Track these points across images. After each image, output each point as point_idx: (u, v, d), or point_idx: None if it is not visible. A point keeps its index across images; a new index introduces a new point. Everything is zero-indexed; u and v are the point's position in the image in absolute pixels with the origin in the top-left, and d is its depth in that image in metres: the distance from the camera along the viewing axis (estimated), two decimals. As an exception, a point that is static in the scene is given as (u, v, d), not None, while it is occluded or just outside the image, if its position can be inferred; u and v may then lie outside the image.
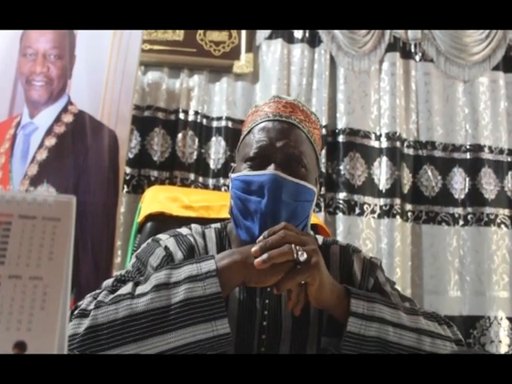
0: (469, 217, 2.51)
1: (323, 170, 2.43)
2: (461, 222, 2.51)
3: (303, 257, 0.74)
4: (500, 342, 2.39)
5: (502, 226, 2.51)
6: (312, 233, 1.03)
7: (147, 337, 0.70)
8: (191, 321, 0.70)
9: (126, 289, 0.76)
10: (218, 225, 0.98)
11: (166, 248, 0.90)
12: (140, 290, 0.74)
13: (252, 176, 0.85)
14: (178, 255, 0.89)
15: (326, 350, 0.85)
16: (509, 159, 2.60)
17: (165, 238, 0.93)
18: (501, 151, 2.59)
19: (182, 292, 0.71)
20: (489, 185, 2.55)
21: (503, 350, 2.38)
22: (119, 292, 0.76)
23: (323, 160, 2.44)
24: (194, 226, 0.97)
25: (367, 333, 0.78)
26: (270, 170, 0.84)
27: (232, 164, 0.98)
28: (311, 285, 0.76)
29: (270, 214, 0.82)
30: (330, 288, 0.79)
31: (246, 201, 0.85)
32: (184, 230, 0.95)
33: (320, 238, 1.01)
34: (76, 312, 0.73)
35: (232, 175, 0.90)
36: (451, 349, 0.84)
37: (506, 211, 2.53)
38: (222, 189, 2.35)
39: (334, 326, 0.82)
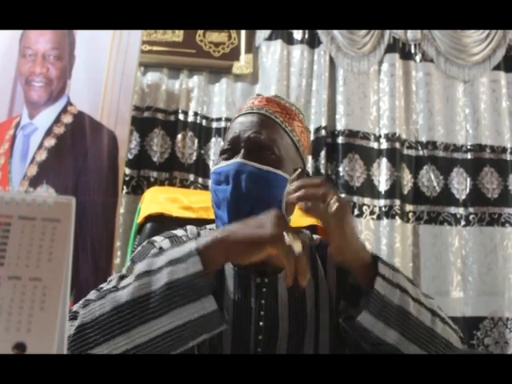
0: (471, 217, 2.51)
1: (322, 171, 2.43)
2: (462, 222, 2.51)
3: (334, 206, 0.75)
4: (506, 343, 2.39)
5: (507, 224, 2.51)
6: (309, 232, 1.03)
7: (135, 326, 0.69)
8: (177, 303, 0.68)
9: (112, 283, 0.77)
10: (212, 226, 0.98)
11: (161, 249, 0.90)
12: (124, 281, 0.74)
13: (221, 167, 0.88)
14: None
15: (343, 312, 0.85)
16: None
17: (159, 240, 0.93)
18: (503, 150, 2.59)
19: (165, 276, 0.70)
20: (491, 184, 2.54)
21: (511, 351, 2.37)
22: (105, 287, 0.76)
23: (322, 161, 2.44)
24: (189, 227, 0.98)
25: (391, 297, 0.79)
26: (237, 158, 0.86)
27: None
28: (337, 234, 0.77)
29: (236, 200, 0.84)
30: (356, 244, 0.80)
31: (216, 191, 0.87)
32: (179, 232, 0.96)
33: (317, 238, 1.01)
34: (69, 315, 0.73)
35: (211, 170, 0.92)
36: (456, 341, 0.85)
37: (511, 210, 2.53)
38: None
39: (354, 294, 0.83)
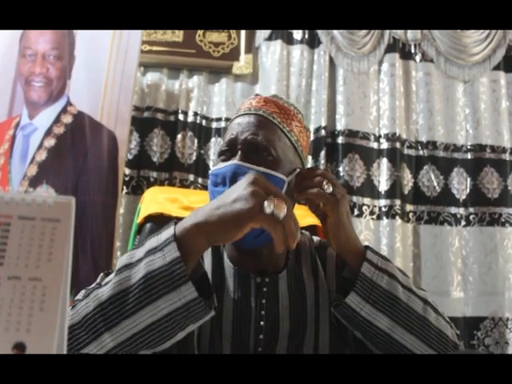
0: (471, 217, 2.51)
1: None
2: (463, 223, 2.51)
3: (329, 189, 0.82)
4: (506, 343, 2.39)
5: (507, 224, 2.51)
6: (308, 233, 1.03)
7: (118, 322, 0.68)
8: (157, 294, 0.67)
9: (97, 281, 0.76)
10: None
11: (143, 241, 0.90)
12: (108, 278, 0.73)
13: (218, 168, 0.87)
14: None
15: (336, 300, 0.86)
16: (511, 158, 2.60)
17: None
18: (503, 150, 2.59)
19: (143, 267, 0.68)
20: (491, 184, 2.55)
21: (511, 351, 2.37)
22: (91, 286, 0.76)
23: (322, 161, 2.44)
24: None
25: (378, 281, 0.81)
26: (233, 160, 0.86)
27: None
28: (330, 216, 0.82)
29: None
30: (349, 230, 0.84)
31: (214, 193, 0.87)
32: None
33: (317, 240, 1.01)
34: None
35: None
36: (452, 334, 0.85)
37: (511, 210, 2.53)
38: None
39: (346, 287, 0.84)
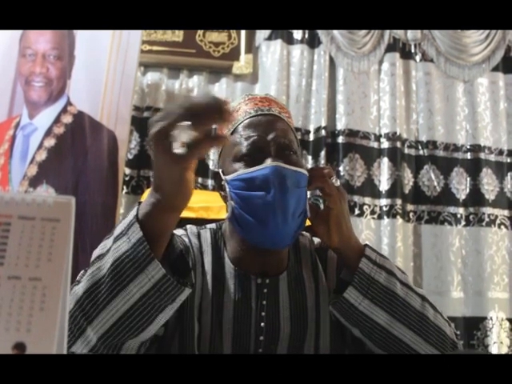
0: (470, 217, 2.51)
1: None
2: (463, 222, 2.51)
3: (337, 183, 0.85)
4: (501, 343, 2.39)
5: (502, 226, 2.51)
6: (308, 234, 1.03)
7: (96, 315, 0.67)
8: (126, 280, 0.65)
9: (77, 278, 0.74)
10: (213, 225, 0.97)
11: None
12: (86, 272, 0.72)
13: (252, 172, 0.83)
14: None
15: (334, 299, 0.85)
16: (508, 160, 2.60)
17: None
18: (500, 152, 2.60)
19: (111, 255, 0.67)
20: (489, 185, 2.55)
21: (504, 351, 2.37)
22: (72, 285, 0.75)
23: (322, 161, 2.44)
24: (189, 226, 0.97)
25: (376, 277, 0.81)
26: (269, 162, 0.83)
27: (217, 169, 0.96)
28: (334, 209, 0.84)
29: (279, 205, 0.81)
30: (349, 225, 0.86)
31: (250, 198, 0.83)
32: (179, 231, 0.94)
33: (317, 241, 1.01)
34: None
35: (228, 177, 0.87)
36: (450, 332, 0.85)
37: (506, 212, 2.54)
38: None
39: (343, 287, 0.84)
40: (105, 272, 0.67)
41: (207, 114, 0.59)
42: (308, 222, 0.91)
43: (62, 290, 0.42)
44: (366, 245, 0.86)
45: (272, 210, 0.81)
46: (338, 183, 0.85)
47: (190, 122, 0.59)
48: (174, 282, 0.67)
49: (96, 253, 0.72)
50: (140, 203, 0.70)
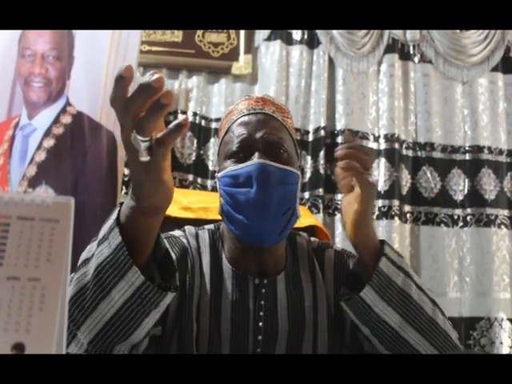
0: (468, 218, 2.52)
1: (321, 171, 2.43)
2: (460, 224, 2.51)
3: (372, 178, 0.80)
4: (501, 343, 2.39)
5: (502, 226, 2.51)
6: (306, 234, 1.03)
7: (84, 320, 0.67)
8: (109, 286, 0.65)
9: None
10: (211, 226, 0.98)
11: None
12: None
13: (238, 169, 0.85)
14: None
15: (345, 294, 0.85)
16: (508, 160, 2.61)
17: None
18: (500, 152, 2.60)
19: (94, 260, 0.66)
20: (488, 185, 2.55)
21: (505, 351, 2.37)
22: None
23: (321, 161, 2.44)
24: (187, 227, 0.97)
25: (394, 278, 0.80)
26: (255, 159, 0.84)
27: (214, 168, 0.98)
28: (361, 204, 0.79)
29: (261, 201, 0.82)
30: (371, 223, 0.83)
31: (235, 194, 0.84)
32: (177, 232, 0.95)
33: (314, 241, 1.01)
34: None
35: (218, 174, 0.89)
36: (456, 338, 0.85)
37: (506, 212, 2.54)
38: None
39: (355, 281, 0.83)
40: (89, 278, 0.67)
41: (140, 99, 0.55)
42: (308, 222, 0.91)
43: (61, 290, 0.42)
44: (384, 241, 0.84)
45: (255, 206, 0.82)
46: (373, 179, 0.80)
47: (135, 134, 0.56)
48: (154, 289, 0.66)
49: (83, 256, 0.71)
50: (122, 204, 0.68)
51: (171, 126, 0.57)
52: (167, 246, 0.75)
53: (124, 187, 2.28)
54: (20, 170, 1.85)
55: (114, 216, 0.68)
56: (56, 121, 1.91)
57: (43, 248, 0.43)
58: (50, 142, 1.89)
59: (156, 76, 0.54)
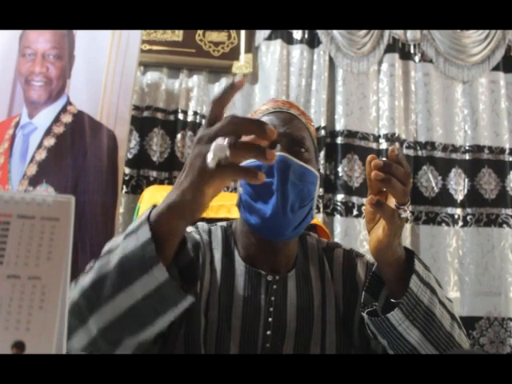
0: (468, 217, 2.52)
1: (321, 171, 2.43)
2: (460, 223, 2.51)
3: (405, 214, 0.80)
4: (501, 343, 2.39)
5: (504, 225, 2.51)
6: (315, 235, 1.04)
7: (99, 307, 0.67)
8: (131, 278, 0.65)
9: (86, 269, 0.74)
10: (224, 223, 0.99)
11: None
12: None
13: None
14: None
15: (366, 306, 0.83)
16: (510, 159, 2.60)
17: None
18: (502, 151, 2.60)
19: (120, 251, 0.67)
20: (489, 185, 2.55)
21: (507, 351, 2.38)
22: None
23: (321, 161, 2.44)
24: (200, 223, 0.98)
25: (421, 297, 0.78)
26: (277, 152, 0.85)
27: None
28: (397, 220, 0.78)
29: (280, 192, 0.83)
30: (400, 238, 0.81)
31: (255, 184, 0.84)
32: (189, 228, 0.95)
33: (324, 241, 1.02)
34: None
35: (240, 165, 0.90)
36: (467, 348, 0.85)
37: (508, 211, 2.53)
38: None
39: (376, 285, 0.82)
40: (112, 266, 0.67)
41: (249, 134, 0.59)
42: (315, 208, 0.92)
43: (61, 288, 0.42)
44: (411, 252, 0.82)
45: (273, 197, 0.83)
46: (405, 214, 0.79)
47: (228, 141, 0.58)
48: (176, 288, 0.66)
49: (107, 246, 0.72)
50: (154, 206, 0.69)
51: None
52: (192, 255, 0.75)
53: (124, 186, 2.28)
54: (20, 169, 1.85)
55: (146, 213, 0.68)
56: (56, 120, 1.92)
57: (43, 246, 0.43)
58: (50, 141, 1.89)
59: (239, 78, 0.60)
